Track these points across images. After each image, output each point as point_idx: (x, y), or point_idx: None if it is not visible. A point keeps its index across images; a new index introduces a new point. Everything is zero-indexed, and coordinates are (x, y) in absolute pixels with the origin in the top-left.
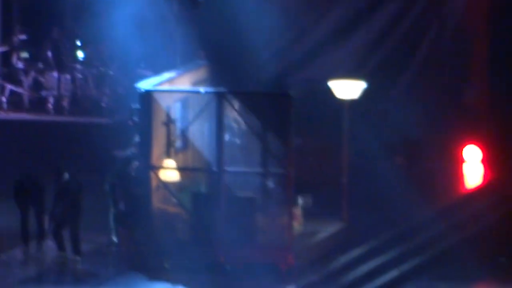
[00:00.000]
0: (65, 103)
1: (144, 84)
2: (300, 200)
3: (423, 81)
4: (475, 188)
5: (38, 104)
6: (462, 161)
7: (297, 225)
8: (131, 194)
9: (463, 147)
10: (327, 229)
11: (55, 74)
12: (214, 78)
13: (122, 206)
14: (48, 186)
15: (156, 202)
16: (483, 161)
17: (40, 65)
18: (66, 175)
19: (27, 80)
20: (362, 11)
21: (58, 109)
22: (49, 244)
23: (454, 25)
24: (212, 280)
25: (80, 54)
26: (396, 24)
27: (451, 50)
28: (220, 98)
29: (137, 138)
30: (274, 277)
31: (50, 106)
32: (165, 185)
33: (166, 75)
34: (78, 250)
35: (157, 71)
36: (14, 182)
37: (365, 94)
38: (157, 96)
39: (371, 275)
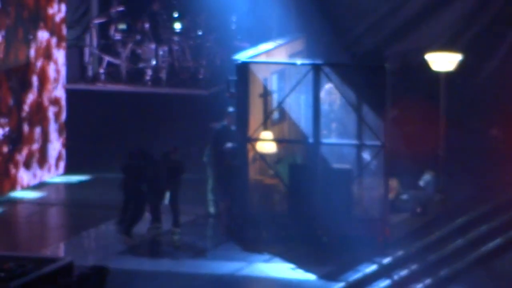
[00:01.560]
0: (163, 74)
1: (241, 56)
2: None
3: None
4: None
5: (136, 76)
6: None
7: (394, 197)
8: (227, 166)
9: None
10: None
11: (152, 45)
12: (310, 50)
13: (216, 178)
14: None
15: (253, 173)
16: None
17: (138, 36)
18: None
19: (124, 52)
20: None
21: (156, 80)
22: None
23: None
24: (309, 252)
25: (177, 26)
26: None
27: None
28: (316, 70)
29: (230, 110)
30: (371, 249)
31: (147, 77)
32: (262, 156)
33: (263, 47)
34: (178, 222)
35: (253, 43)
36: (128, 155)
37: (462, 66)
38: (253, 68)
39: (468, 248)
